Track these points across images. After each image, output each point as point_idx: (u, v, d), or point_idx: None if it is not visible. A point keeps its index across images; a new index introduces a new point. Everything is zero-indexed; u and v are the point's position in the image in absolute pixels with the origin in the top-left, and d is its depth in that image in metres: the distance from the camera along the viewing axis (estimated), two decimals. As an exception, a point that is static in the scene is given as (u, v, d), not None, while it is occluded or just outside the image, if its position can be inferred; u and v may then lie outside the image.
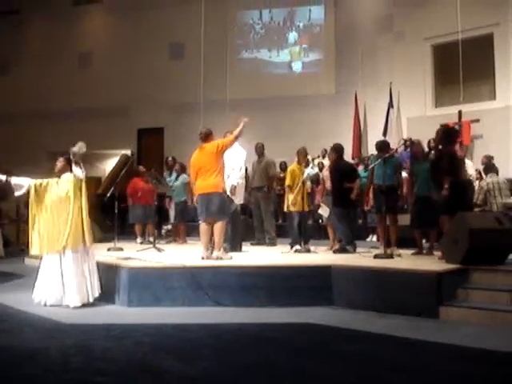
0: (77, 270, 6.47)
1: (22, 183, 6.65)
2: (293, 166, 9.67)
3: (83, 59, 20.20)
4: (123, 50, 19.30)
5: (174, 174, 11.58)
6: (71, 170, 6.59)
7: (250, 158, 10.75)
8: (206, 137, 7.84)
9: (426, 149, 10.72)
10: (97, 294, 6.62)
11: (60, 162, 6.70)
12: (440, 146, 7.91)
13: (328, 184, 9.31)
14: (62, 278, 6.49)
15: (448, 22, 14.78)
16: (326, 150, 12.99)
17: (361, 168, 12.32)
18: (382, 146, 8.59)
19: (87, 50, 20.21)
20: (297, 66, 18.67)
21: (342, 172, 8.94)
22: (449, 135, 7.82)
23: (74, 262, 6.48)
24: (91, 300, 6.55)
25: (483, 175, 11.09)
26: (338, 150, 9.13)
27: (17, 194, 6.69)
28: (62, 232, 6.44)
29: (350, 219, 9.12)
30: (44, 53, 20.25)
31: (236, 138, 7.82)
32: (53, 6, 20.13)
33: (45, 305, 6.50)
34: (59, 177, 6.68)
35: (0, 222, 13.00)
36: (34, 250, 6.59)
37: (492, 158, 11.39)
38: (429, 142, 10.77)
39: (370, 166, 8.79)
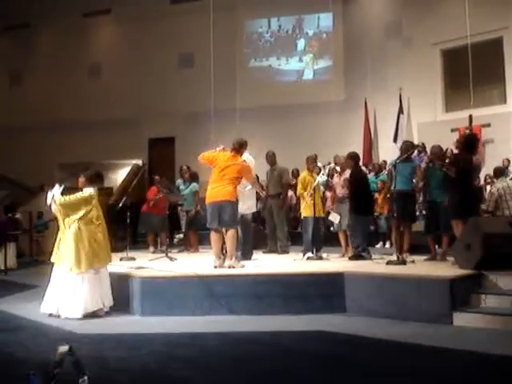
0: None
1: None
2: (303, 173, 9.69)
3: (93, 70, 20.31)
4: (133, 60, 19.39)
5: (187, 183, 11.60)
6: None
7: (263, 167, 10.77)
8: (240, 147, 7.83)
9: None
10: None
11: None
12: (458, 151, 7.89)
13: (339, 191, 9.28)
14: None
15: (457, 26, 14.74)
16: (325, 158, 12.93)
17: (371, 175, 12.28)
18: (403, 149, 8.53)
19: (97, 61, 20.33)
20: (306, 74, 18.68)
21: (360, 180, 8.93)
22: (469, 142, 7.78)
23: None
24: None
25: (494, 180, 11.02)
26: (354, 157, 9.13)
27: None
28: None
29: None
30: (54, 64, 20.35)
31: (252, 181, 8.24)
32: (62, 18, 20.22)
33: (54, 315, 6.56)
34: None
35: (14, 234, 12.96)
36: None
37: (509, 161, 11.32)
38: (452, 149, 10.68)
39: (384, 172, 8.76)
